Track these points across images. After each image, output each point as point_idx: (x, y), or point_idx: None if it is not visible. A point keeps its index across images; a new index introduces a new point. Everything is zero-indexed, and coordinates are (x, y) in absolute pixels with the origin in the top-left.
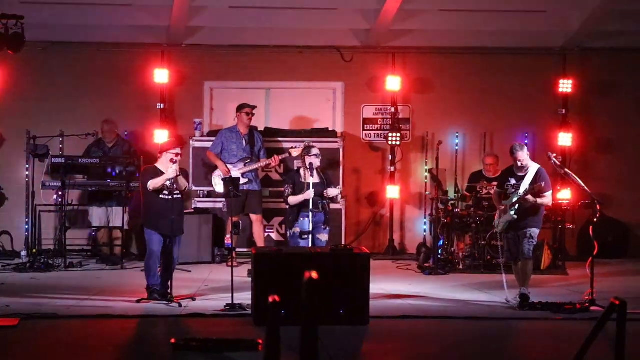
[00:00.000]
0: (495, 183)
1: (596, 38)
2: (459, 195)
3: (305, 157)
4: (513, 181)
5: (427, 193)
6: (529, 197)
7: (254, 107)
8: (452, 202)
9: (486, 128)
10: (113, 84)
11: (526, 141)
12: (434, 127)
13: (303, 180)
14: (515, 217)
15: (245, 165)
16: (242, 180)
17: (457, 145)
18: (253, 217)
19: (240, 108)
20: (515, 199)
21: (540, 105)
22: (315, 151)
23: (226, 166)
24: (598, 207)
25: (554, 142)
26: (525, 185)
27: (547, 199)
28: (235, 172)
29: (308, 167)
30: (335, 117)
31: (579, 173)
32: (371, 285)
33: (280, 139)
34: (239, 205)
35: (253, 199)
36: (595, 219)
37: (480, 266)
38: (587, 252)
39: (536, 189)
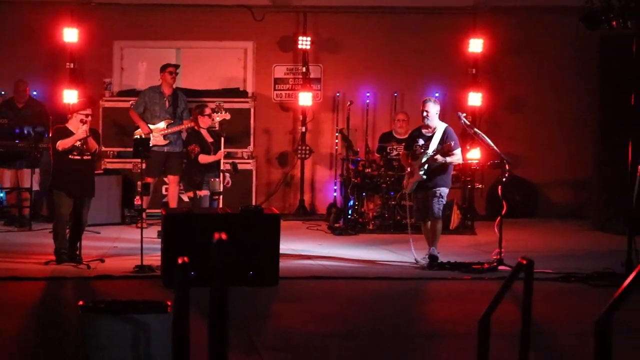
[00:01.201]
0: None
1: None
2: (370, 156)
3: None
4: (421, 141)
5: (337, 153)
6: (438, 156)
7: (177, 66)
8: (363, 162)
9: (397, 88)
10: (21, 43)
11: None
12: (345, 87)
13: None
14: (425, 177)
15: (167, 126)
16: (163, 142)
17: (367, 105)
18: (170, 177)
19: (163, 68)
20: (424, 159)
21: (451, 65)
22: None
23: (148, 126)
24: (507, 166)
25: (465, 102)
26: (433, 145)
27: (456, 157)
28: (157, 134)
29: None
30: (247, 77)
31: (489, 133)
32: (281, 246)
33: (191, 99)
34: (158, 165)
35: (174, 161)
36: (504, 179)
37: (390, 226)
38: (496, 211)
39: (445, 149)
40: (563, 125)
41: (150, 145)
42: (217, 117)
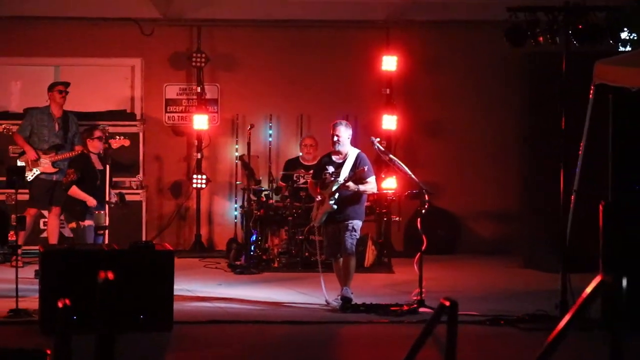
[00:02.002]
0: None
1: (420, 10)
2: (274, 185)
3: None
4: (331, 168)
5: (237, 183)
6: (350, 184)
7: (66, 84)
8: (266, 192)
9: (303, 110)
10: None
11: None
12: (245, 108)
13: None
14: (335, 207)
15: (57, 153)
16: (52, 169)
17: (270, 128)
18: (53, 209)
19: (51, 87)
20: (334, 187)
21: (363, 85)
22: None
23: (36, 152)
24: (426, 197)
25: (378, 125)
26: (345, 172)
27: (370, 185)
28: (45, 161)
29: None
30: (135, 98)
31: (406, 159)
32: (176, 287)
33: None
34: (45, 196)
35: (62, 191)
36: (423, 211)
37: (298, 264)
38: (415, 247)
39: (357, 175)
40: (488, 150)
41: (39, 172)
42: (115, 144)
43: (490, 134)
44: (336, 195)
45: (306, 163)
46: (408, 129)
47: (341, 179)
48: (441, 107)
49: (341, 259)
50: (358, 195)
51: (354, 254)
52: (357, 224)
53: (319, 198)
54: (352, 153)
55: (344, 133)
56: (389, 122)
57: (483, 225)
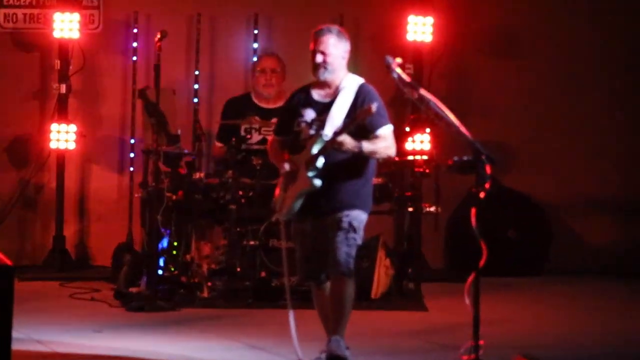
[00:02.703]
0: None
1: None
2: (204, 146)
3: None
4: (310, 113)
5: (134, 141)
6: (345, 138)
7: None
8: (189, 159)
9: (258, 6)
10: None
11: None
12: (150, 2)
13: None
14: (319, 183)
15: None
16: None
17: (198, 41)
18: None
19: None
20: (316, 147)
21: None
22: None
23: None
24: (488, 169)
25: (400, 34)
26: (336, 118)
27: (383, 143)
28: None
29: None
30: None
31: (450, 99)
32: (16, 334)
33: None
34: None
35: None
36: (482, 195)
37: (247, 292)
38: (465, 261)
39: (359, 119)
40: (600, 91)
41: None
42: None
43: (601, 59)
44: (320, 162)
45: (264, 105)
46: (455, 44)
47: (329, 132)
48: (513, 9)
49: (329, 284)
50: (360, 162)
51: (352, 273)
52: (359, 217)
53: (287, 168)
54: (349, 85)
55: (336, 48)
56: (419, 29)
57: (595, 224)
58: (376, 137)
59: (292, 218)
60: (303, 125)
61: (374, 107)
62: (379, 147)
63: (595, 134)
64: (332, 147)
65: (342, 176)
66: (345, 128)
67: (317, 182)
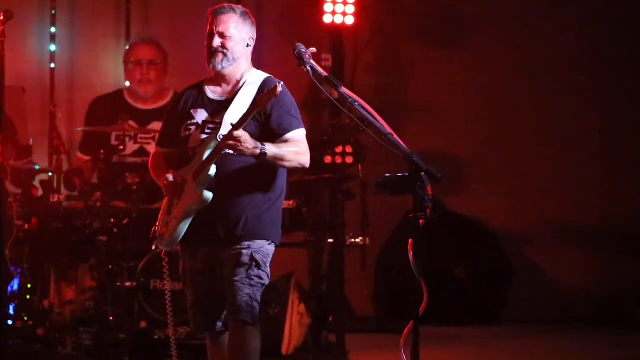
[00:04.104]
0: (156, 125)
1: None
2: (64, 161)
3: None
4: (203, 115)
5: None
6: (242, 135)
7: None
8: (44, 176)
9: None
10: None
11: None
12: None
13: None
14: (210, 196)
15: None
16: None
17: (54, 23)
18: None
19: None
20: (208, 150)
21: None
22: None
23: None
24: (429, 188)
25: (315, 16)
26: (232, 117)
27: (292, 148)
28: None
29: None
30: None
31: (381, 101)
32: None
33: None
34: None
35: None
36: (420, 220)
37: (124, 347)
38: (400, 307)
39: (261, 102)
40: (570, 90)
41: None
42: None
43: (575, 48)
44: (212, 171)
45: (140, 105)
46: (385, 28)
47: (224, 132)
48: None
49: (226, 335)
50: (265, 176)
51: (257, 322)
52: (264, 249)
53: (170, 179)
54: (252, 81)
55: (239, 31)
56: (339, 8)
57: (565, 260)
58: (285, 141)
59: (181, 253)
60: (192, 129)
61: (279, 87)
62: (287, 152)
63: (565, 143)
64: (225, 147)
65: (240, 194)
66: (243, 120)
67: (208, 195)
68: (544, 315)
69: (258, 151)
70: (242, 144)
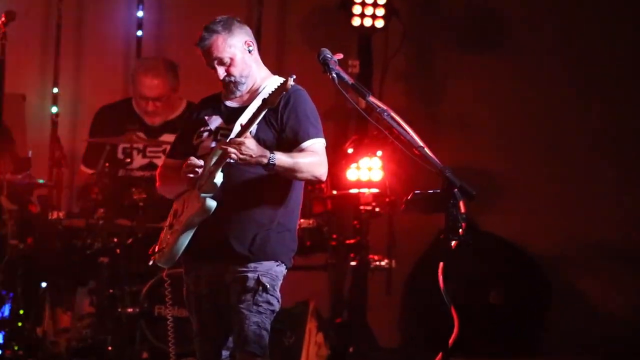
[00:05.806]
0: (168, 137)
1: None
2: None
3: None
4: (216, 121)
5: None
6: (246, 140)
7: None
8: (43, 188)
9: None
10: None
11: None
12: None
13: None
14: (213, 204)
15: None
16: None
17: (59, 28)
18: None
19: None
20: (216, 158)
21: None
22: None
23: None
24: (463, 206)
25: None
26: (243, 119)
27: (307, 158)
28: None
29: None
30: None
31: (412, 109)
32: None
33: None
34: None
35: None
36: (452, 242)
37: None
38: (429, 336)
39: (271, 99)
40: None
41: None
42: None
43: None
44: (218, 178)
45: (150, 121)
46: (419, 32)
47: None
48: None
49: None
50: (277, 190)
51: (266, 353)
52: (272, 271)
53: (179, 199)
54: (270, 85)
55: (232, 47)
56: (368, 10)
57: (614, 284)
58: (300, 150)
59: (184, 276)
60: (204, 135)
61: (291, 80)
62: (300, 162)
63: (615, 159)
64: (227, 153)
65: (248, 208)
66: (252, 120)
67: (210, 204)
68: (589, 344)
69: (265, 160)
70: (245, 151)
